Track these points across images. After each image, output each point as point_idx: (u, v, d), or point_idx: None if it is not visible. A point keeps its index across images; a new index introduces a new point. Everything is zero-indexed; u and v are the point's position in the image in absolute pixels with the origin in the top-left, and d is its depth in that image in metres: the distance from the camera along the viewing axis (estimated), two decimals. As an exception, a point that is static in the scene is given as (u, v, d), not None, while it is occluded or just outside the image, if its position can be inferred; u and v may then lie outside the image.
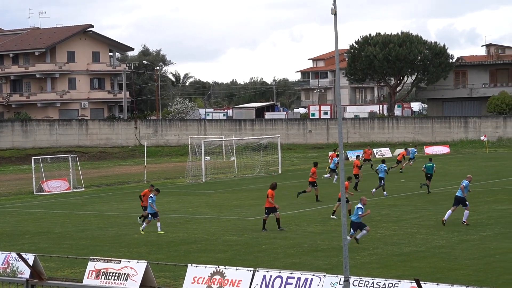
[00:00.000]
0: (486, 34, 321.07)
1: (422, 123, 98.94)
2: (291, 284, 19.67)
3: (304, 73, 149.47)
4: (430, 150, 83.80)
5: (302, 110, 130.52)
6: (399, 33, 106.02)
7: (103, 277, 21.91)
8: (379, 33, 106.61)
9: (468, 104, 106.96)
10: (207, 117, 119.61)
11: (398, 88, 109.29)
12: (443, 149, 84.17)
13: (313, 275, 19.57)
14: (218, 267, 20.85)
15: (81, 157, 73.43)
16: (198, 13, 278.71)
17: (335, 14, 18.37)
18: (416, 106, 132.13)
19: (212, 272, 20.77)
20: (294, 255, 26.20)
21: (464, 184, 31.53)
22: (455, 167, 60.99)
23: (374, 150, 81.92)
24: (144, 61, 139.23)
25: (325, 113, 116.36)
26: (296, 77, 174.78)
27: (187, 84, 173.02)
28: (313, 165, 43.90)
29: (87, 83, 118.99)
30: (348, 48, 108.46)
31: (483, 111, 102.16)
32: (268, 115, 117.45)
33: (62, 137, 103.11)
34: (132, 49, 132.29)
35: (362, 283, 18.84)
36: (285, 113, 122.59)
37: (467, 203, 31.43)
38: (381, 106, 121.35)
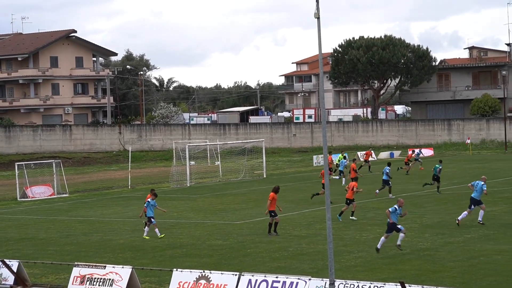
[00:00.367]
0: (469, 37, 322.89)
1: (406, 126, 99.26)
2: (276, 288, 19.66)
3: (288, 77, 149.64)
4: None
5: (286, 114, 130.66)
6: (382, 37, 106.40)
7: (88, 283, 21.84)
8: (362, 37, 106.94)
9: (451, 107, 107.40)
10: (191, 122, 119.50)
11: (382, 91, 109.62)
12: (427, 152, 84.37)
13: (299, 278, 19.58)
14: (204, 271, 20.82)
15: (65, 163, 73.14)
16: (182, 17, 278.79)
17: (318, 18, 18.41)
18: (399, 109, 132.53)
19: (198, 277, 20.73)
20: (279, 259, 26.19)
21: (474, 184, 31.90)
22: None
23: (359, 153, 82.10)
24: (128, 66, 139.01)
25: (309, 116, 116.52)
26: (280, 81, 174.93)
27: (171, 88, 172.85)
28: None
29: (71, 89, 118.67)
30: (332, 51, 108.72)
31: (467, 114, 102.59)
32: (253, 119, 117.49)
33: (45, 143, 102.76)
34: (115, 54, 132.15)
35: (347, 286, 18.87)
36: (269, 117, 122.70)
37: (482, 203, 31.70)
38: (365, 109, 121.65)
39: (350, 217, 34.71)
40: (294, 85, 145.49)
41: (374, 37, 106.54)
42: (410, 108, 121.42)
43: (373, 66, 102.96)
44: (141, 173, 72.67)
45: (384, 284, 18.75)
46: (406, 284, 17.15)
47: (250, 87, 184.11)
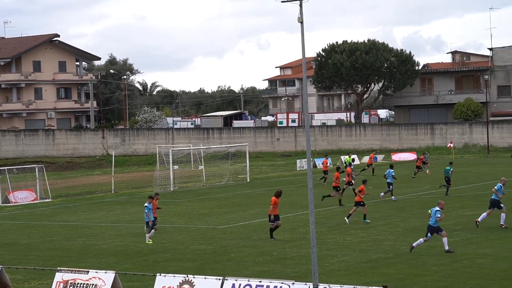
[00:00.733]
0: (452, 41, 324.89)
1: (389, 130, 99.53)
2: (260, 292, 19.62)
3: (272, 81, 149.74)
4: (397, 156, 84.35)
5: (270, 118, 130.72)
6: (366, 41, 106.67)
7: (71, 288, 21.72)
8: (346, 41, 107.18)
9: (434, 111, 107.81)
10: (175, 126, 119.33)
11: (365, 96, 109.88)
12: (410, 156, 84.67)
13: (282, 283, 19.55)
14: (187, 276, 20.76)
15: (48, 168, 72.91)
16: (165, 22, 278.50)
17: (301, 23, 18.44)
18: (383, 113, 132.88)
19: (181, 281, 20.66)
20: (263, 263, 26.18)
21: (496, 188, 32.12)
22: (422, 173, 61.33)
23: (342, 157, 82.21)
24: (111, 70, 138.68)
25: (293, 121, 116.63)
26: (264, 85, 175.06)
27: (154, 93, 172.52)
28: (336, 170, 44.15)
29: (54, 93, 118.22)
30: (315, 56, 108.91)
31: (449, 118, 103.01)
32: (236, 123, 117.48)
33: (28, 148, 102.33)
34: (99, 59, 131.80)
35: (331, 291, 18.84)
36: (253, 121, 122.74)
37: (502, 205, 31.80)
38: (348, 113, 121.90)
39: (364, 221, 34.70)
40: (278, 89, 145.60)
41: (358, 41, 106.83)
42: (393, 112, 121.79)
43: (356, 71, 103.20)
44: (125, 177, 72.47)
45: (367, 288, 18.78)
46: (389, 288, 17.18)
47: (234, 91, 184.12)
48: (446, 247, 26.35)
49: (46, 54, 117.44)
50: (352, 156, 62.43)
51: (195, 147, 78.84)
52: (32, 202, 52.40)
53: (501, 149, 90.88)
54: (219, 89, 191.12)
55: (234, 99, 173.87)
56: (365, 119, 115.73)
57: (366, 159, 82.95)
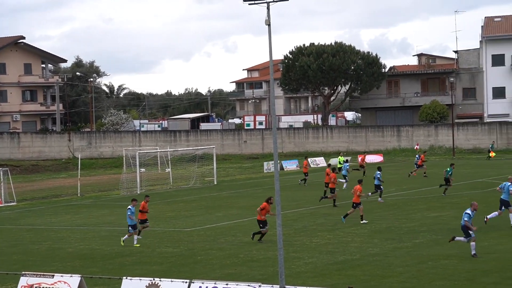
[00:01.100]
0: (418, 44, 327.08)
1: (356, 132, 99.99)
2: (226, 295, 19.62)
3: (239, 84, 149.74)
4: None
5: (237, 121, 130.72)
6: (333, 44, 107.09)
7: (36, 292, 21.54)
8: (313, 44, 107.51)
9: (400, 113, 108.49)
10: (142, 129, 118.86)
11: (332, 98, 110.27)
12: (377, 158, 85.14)
13: (249, 285, 19.57)
14: (153, 279, 20.69)
15: (13, 171, 72.21)
16: (132, 24, 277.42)
17: (269, 25, 18.48)
18: (350, 115, 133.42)
19: (148, 285, 20.59)
20: (229, 266, 26.17)
21: (501, 186, 32.35)
22: (389, 175, 61.66)
23: (309, 159, 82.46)
24: (78, 73, 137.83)
25: (260, 123, 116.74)
26: (231, 87, 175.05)
27: (121, 95, 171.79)
28: (332, 171, 44.21)
29: (19, 96, 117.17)
30: (283, 58, 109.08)
31: (415, 120, 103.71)
32: (203, 126, 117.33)
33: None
34: (65, 61, 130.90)
35: (297, 292, 18.89)
36: (220, 123, 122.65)
37: None
38: (315, 115, 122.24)
39: (361, 222, 34.77)
40: (245, 92, 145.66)
41: (325, 44, 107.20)
42: (360, 115, 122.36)
43: (323, 73, 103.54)
44: (91, 180, 72.05)
45: (333, 289, 18.84)
46: (355, 290, 17.27)
47: (201, 94, 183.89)
48: None
49: (11, 56, 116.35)
50: (347, 157, 62.59)
51: (162, 150, 78.62)
52: (-3, 205, 51.86)
53: (466, 150, 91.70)
54: (186, 91, 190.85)
55: (201, 102, 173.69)
56: (332, 121, 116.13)
57: (333, 161, 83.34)
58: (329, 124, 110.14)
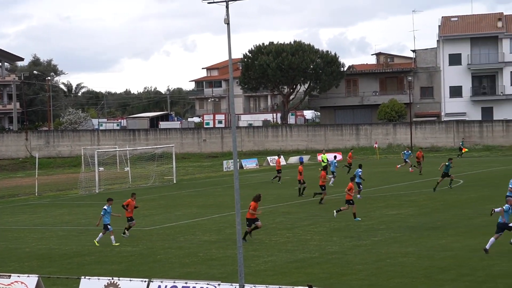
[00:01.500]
0: (376, 43, 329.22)
1: (315, 131, 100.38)
2: (186, 293, 19.58)
3: (198, 83, 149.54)
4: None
5: (196, 119, 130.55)
6: (292, 42, 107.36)
7: (-7, 292, 21.31)
8: (272, 42, 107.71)
9: (359, 112, 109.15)
10: (101, 128, 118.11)
11: (291, 97, 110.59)
12: (336, 156, 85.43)
13: (208, 284, 19.54)
14: (112, 278, 20.56)
15: (-31, 170, 71.33)
16: (90, 22, 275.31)
17: (228, 24, 18.46)
18: (309, 114, 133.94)
19: (106, 284, 20.46)
20: (189, 265, 26.11)
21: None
22: (348, 174, 62.03)
23: (268, 158, 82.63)
24: (35, 71, 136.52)
25: (220, 122, 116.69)
26: (190, 86, 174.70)
27: (79, 94, 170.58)
28: (322, 169, 44.33)
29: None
30: (242, 57, 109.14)
31: (374, 119, 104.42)
32: (163, 124, 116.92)
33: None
34: (22, 59, 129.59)
35: (257, 291, 18.91)
36: (179, 122, 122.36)
37: None
38: (275, 114, 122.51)
39: (354, 219, 34.84)
40: (204, 91, 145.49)
41: (284, 43, 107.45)
42: (319, 113, 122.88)
43: (282, 72, 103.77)
44: (49, 180, 71.41)
45: (292, 287, 18.89)
46: (314, 287, 17.32)
47: (160, 93, 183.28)
48: None
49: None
50: (335, 154, 62.89)
51: (121, 149, 78.22)
52: (-48, 205, 51.18)
53: (424, 149, 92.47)
54: (145, 90, 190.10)
55: (160, 100, 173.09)
56: (291, 120, 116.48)
57: (292, 159, 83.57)
58: (288, 122, 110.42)
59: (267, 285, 19.20)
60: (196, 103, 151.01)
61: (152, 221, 38.13)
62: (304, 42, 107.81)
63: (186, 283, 19.84)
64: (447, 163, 47.14)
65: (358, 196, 43.55)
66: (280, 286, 19.04)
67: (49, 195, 56.20)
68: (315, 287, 17.58)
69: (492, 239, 25.59)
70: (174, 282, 19.97)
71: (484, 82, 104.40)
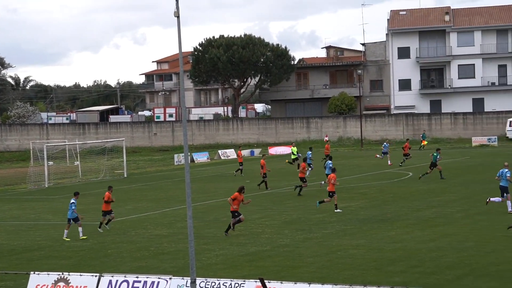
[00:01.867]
0: (326, 36, 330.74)
1: (266, 124, 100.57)
2: (137, 288, 19.51)
3: (149, 76, 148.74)
4: (274, 150, 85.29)
5: (147, 113, 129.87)
6: (242, 36, 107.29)
7: None
8: (223, 36, 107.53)
9: (310, 105, 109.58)
10: (50, 121, 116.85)
11: (242, 90, 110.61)
12: (287, 150, 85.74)
13: (159, 278, 19.49)
14: (62, 273, 20.40)
15: None
16: (38, 15, 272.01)
17: (178, 17, 18.36)
18: (260, 107, 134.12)
19: (56, 279, 20.29)
20: (140, 259, 26.00)
21: (499, 174, 32.48)
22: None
23: (219, 151, 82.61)
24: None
25: (170, 115, 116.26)
26: (141, 79, 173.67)
27: (27, 87, 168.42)
28: (303, 161, 44.25)
29: None
30: (192, 50, 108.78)
31: (324, 112, 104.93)
32: (113, 118, 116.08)
33: None
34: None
35: (208, 285, 18.93)
36: (129, 116, 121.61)
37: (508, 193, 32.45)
38: (225, 107, 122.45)
39: (335, 211, 34.84)
40: (155, 84, 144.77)
41: (234, 36, 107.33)
42: (270, 107, 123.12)
43: (233, 65, 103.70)
44: (-3, 174, 70.48)
45: (244, 281, 18.93)
46: (265, 281, 17.37)
47: (110, 86, 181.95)
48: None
49: None
50: (310, 146, 63.24)
51: (71, 143, 77.50)
52: None
53: (374, 142, 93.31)
54: (95, 83, 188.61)
55: (110, 94, 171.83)
56: (242, 113, 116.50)
57: (244, 152, 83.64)
58: (239, 116, 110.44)
59: (218, 279, 19.22)
60: (146, 96, 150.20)
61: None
62: (254, 36, 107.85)
63: (137, 277, 19.77)
64: (435, 153, 47.79)
65: (322, 183, 44.00)
66: (232, 280, 19.07)
67: (-3, 190, 55.45)
68: (266, 280, 17.64)
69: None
70: (125, 277, 19.88)
71: (433, 75, 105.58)
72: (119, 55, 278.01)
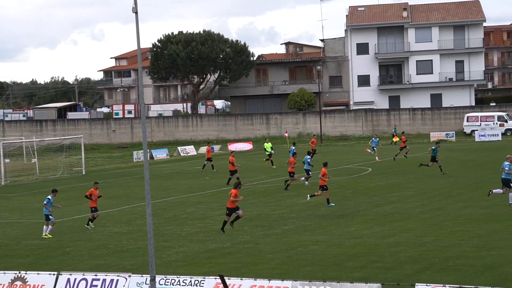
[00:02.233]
0: (285, 32, 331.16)
1: (226, 121, 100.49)
2: (96, 286, 19.36)
3: (107, 72, 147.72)
4: (233, 147, 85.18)
5: (105, 110, 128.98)
6: (201, 32, 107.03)
7: None
8: (182, 32, 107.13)
9: (269, 101, 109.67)
10: (6, 118, 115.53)
11: (202, 86, 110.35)
12: (246, 146, 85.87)
13: (118, 275, 19.36)
14: (19, 272, 20.15)
15: None
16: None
17: (136, 13, 18.21)
18: (219, 103, 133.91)
19: (13, 278, 20.05)
20: (99, 257, 25.79)
21: (506, 168, 32.43)
22: (259, 163, 62.40)
23: (179, 148, 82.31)
24: None
25: (129, 112, 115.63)
26: (99, 76, 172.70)
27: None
28: (291, 155, 44.54)
29: None
30: (151, 46, 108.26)
31: (284, 108, 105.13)
32: (71, 115, 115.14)
33: None
34: None
35: (168, 282, 18.85)
36: (88, 113, 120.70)
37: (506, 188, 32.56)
38: (185, 104, 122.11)
39: (328, 205, 34.79)
40: (113, 80, 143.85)
41: (193, 32, 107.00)
42: (229, 103, 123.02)
43: (192, 61, 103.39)
44: (-47, 172, 69.42)
45: (204, 278, 18.87)
46: (225, 277, 17.31)
47: (68, 83, 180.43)
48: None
49: None
50: (293, 141, 63.19)
51: (28, 140, 76.67)
52: None
53: (333, 137, 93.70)
54: (53, 80, 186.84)
55: (68, 91, 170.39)
56: (201, 109, 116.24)
57: (202, 149, 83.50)
58: (198, 112, 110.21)
59: (178, 276, 19.14)
60: (105, 93, 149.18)
61: (61, 213, 37.43)
62: (213, 32, 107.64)
63: (96, 275, 19.61)
64: (433, 147, 48.21)
65: (303, 179, 44.03)
66: (191, 277, 19.00)
67: (-47, 188, 54.67)
68: (226, 277, 17.58)
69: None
70: (83, 275, 19.72)
71: (391, 71, 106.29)
72: (77, 51, 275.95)
